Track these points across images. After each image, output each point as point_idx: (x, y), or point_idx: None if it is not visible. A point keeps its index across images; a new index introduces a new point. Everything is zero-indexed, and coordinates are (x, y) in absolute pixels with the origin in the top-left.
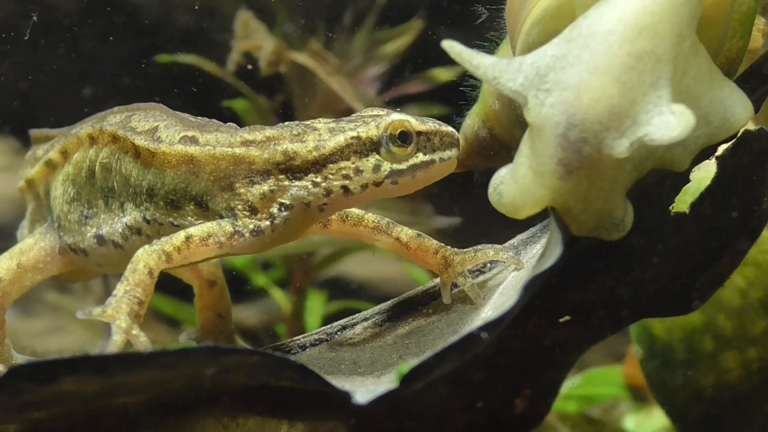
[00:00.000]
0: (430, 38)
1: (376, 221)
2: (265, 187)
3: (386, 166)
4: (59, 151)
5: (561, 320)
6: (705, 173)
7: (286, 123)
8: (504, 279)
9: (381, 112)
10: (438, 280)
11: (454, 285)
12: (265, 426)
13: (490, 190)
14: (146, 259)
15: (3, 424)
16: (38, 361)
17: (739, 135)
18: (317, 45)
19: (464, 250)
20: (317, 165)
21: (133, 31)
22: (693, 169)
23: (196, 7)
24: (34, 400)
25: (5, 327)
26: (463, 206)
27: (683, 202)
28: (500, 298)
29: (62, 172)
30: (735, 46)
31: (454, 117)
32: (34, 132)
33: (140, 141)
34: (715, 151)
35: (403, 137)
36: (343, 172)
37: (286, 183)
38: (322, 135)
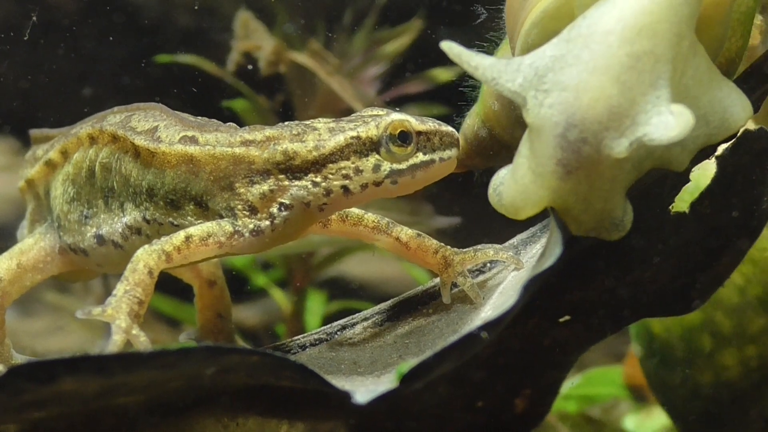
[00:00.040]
0: (429, 38)
1: (375, 221)
2: (265, 187)
3: (386, 166)
4: (59, 151)
5: (561, 320)
6: (705, 172)
7: (286, 123)
8: (504, 279)
9: (381, 112)
10: (438, 279)
11: (454, 285)
12: (265, 426)
13: (490, 191)
14: (146, 258)
15: (3, 424)
16: (38, 361)
17: (738, 134)
18: (317, 45)
19: (464, 249)
20: (317, 165)
21: (133, 31)
22: (693, 169)
23: (196, 8)
24: (34, 399)
25: (5, 327)
26: (463, 206)
27: (683, 201)
28: (500, 297)
29: (62, 172)
30: (734, 45)
31: (454, 117)
32: (34, 132)
33: (140, 141)
34: (715, 150)
35: (403, 137)
36: (343, 171)
37: (286, 183)
38: (322, 135)
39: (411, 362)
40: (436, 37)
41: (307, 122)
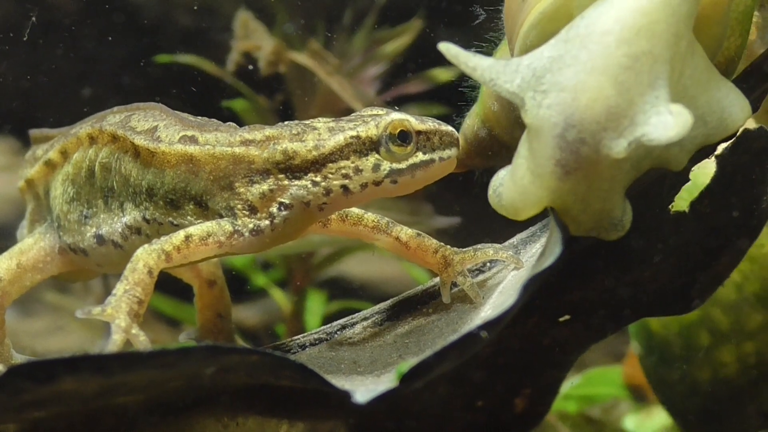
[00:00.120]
0: (429, 38)
1: (375, 220)
2: (265, 187)
3: (386, 166)
4: (59, 151)
5: (561, 319)
6: (704, 172)
7: (286, 122)
8: (504, 278)
9: (380, 112)
10: (437, 279)
11: (454, 284)
12: (265, 425)
13: (490, 192)
14: (146, 258)
15: (3, 423)
16: (38, 361)
17: (738, 134)
18: (317, 45)
19: (464, 249)
20: (317, 164)
21: (133, 31)
22: (692, 168)
23: (195, 8)
24: (33, 399)
25: (5, 327)
26: (463, 206)
27: (683, 200)
28: (500, 297)
29: (62, 172)
30: (733, 44)
31: (453, 117)
32: (33, 132)
33: (140, 141)
34: (715, 149)
35: (403, 136)
36: (343, 171)
37: (286, 182)
38: (322, 134)
39: (411, 362)
40: (435, 37)
41: (307, 122)
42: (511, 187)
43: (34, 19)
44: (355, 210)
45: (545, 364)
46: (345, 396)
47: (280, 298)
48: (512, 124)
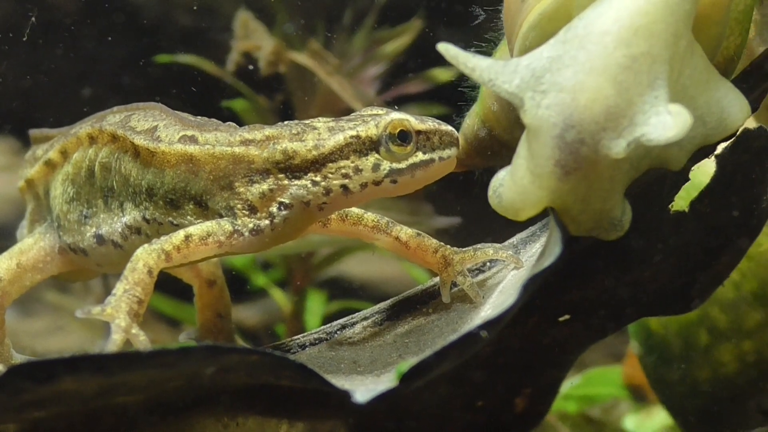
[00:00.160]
0: (429, 38)
1: (375, 220)
2: (265, 186)
3: (385, 165)
4: (59, 151)
5: (561, 319)
6: (704, 171)
7: (286, 122)
8: (503, 278)
9: (380, 111)
10: (437, 279)
11: (454, 284)
12: (265, 425)
13: (490, 193)
14: (145, 258)
15: (3, 423)
16: (38, 361)
17: (738, 133)
18: (317, 45)
19: (464, 249)
20: (317, 164)
21: (133, 31)
22: (692, 168)
23: (195, 8)
24: (33, 399)
25: (5, 327)
26: (463, 206)
27: (683, 200)
28: (500, 296)
29: (62, 172)
30: (733, 44)
31: (453, 117)
32: (33, 132)
33: (139, 140)
34: (715, 149)
35: (403, 136)
36: (343, 171)
37: (286, 182)
38: (322, 134)
39: (411, 361)
40: (435, 37)
41: (307, 121)
42: (511, 187)
43: (33, 19)
44: (354, 210)
45: (545, 363)
46: (345, 396)
47: (280, 298)
48: (512, 123)
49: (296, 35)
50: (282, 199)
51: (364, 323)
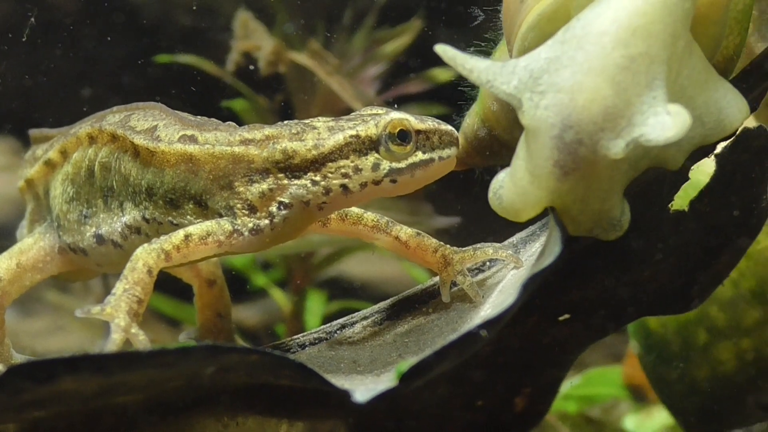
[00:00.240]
0: (429, 38)
1: (375, 220)
2: (264, 186)
3: (385, 165)
4: (58, 151)
5: (560, 319)
6: (703, 171)
7: (285, 122)
8: (503, 277)
9: (380, 111)
10: (437, 278)
11: (454, 283)
12: (265, 425)
13: (490, 194)
14: (145, 257)
15: (2, 423)
16: (37, 360)
17: (738, 133)
18: (317, 45)
19: (463, 248)
20: (316, 164)
21: (132, 31)
22: (692, 167)
23: (195, 8)
24: (33, 399)
25: (5, 327)
26: (462, 205)
27: (682, 198)
28: (499, 296)
29: (61, 172)
30: (732, 43)
31: (453, 116)
32: (33, 132)
33: (139, 140)
34: (714, 148)
35: (402, 136)
36: (342, 170)
37: (285, 182)
38: (321, 134)
39: (410, 361)
40: (435, 37)
41: (307, 121)
42: (511, 188)
43: (33, 19)
44: (354, 209)
45: (545, 363)
46: (345, 395)
47: (280, 298)
48: (512, 123)
49: (296, 35)
50: (282, 199)
51: (364, 323)
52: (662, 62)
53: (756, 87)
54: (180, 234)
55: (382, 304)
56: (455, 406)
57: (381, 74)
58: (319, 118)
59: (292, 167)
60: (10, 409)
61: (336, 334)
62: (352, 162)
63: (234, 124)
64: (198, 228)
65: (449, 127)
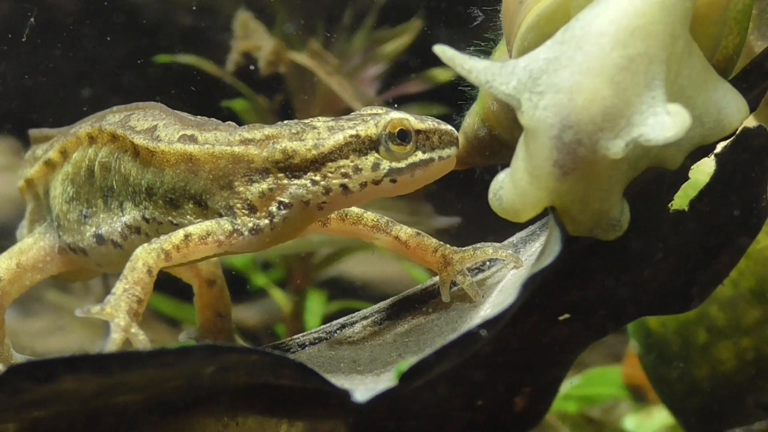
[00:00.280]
0: (429, 38)
1: (375, 220)
2: (264, 186)
3: (385, 165)
4: (58, 151)
5: (560, 318)
6: (703, 170)
7: (285, 122)
8: (503, 277)
9: (380, 111)
10: (437, 278)
11: (453, 283)
12: (264, 425)
13: (491, 196)
14: (145, 257)
15: (2, 423)
16: (37, 360)
17: (737, 132)
18: (317, 45)
19: (463, 248)
20: (316, 163)
21: (132, 31)
22: (692, 167)
23: (195, 8)
24: (33, 399)
25: (5, 327)
26: (462, 205)
27: (682, 198)
28: (499, 296)
29: (61, 172)
30: (732, 43)
31: (453, 116)
32: (33, 132)
33: (139, 140)
34: (714, 148)
35: (402, 135)
36: (342, 170)
37: (285, 181)
38: (321, 133)
39: (410, 360)
40: (435, 37)
41: (306, 121)
42: (511, 189)
43: (32, 19)
44: (354, 209)
45: (545, 362)
46: (344, 395)
47: (280, 298)
48: (512, 123)
49: (296, 35)
50: (281, 199)
51: (364, 322)
52: (661, 62)
53: (756, 86)
54: (180, 234)
55: (382, 304)
56: (455, 405)
57: (381, 74)
58: (319, 117)
59: (292, 167)
60: (10, 409)
61: (336, 334)
62: (352, 162)
63: (234, 124)
64: (198, 228)
65: (449, 127)
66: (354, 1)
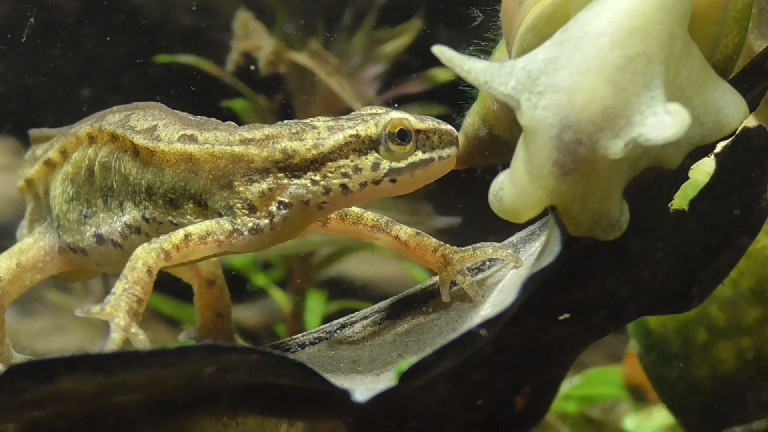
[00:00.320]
0: (429, 38)
1: (375, 219)
2: (264, 186)
3: (385, 165)
4: (58, 151)
5: (560, 318)
6: (703, 170)
7: (285, 121)
8: (503, 277)
9: (380, 111)
10: (437, 278)
11: (453, 283)
12: (264, 425)
13: (491, 197)
14: (145, 257)
15: (2, 423)
16: (37, 360)
17: (737, 132)
18: (317, 45)
19: (463, 248)
20: (316, 163)
21: (132, 31)
22: (692, 167)
23: (195, 8)
24: (33, 398)
25: (5, 326)
26: (463, 205)
27: (682, 198)
28: (499, 295)
29: (61, 172)
30: (731, 42)
31: (453, 116)
32: (33, 132)
33: (139, 140)
34: (714, 148)
35: (402, 135)
36: (342, 170)
37: (285, 181)
38: (321, 133)
39: (410, 360)
40: (435, 37)
41: (306, 121)
42: (511, 190)
43: (32, 19)
44: (354, 209)
45: (545, 362)
46: (344, 395)
47: (280, 298)
48: (512, 123)
49: (296, 35)
50: (281, 198)
51: (364, 322)
52: (660, 62)
53: (755, 86)
54: (180, 233)
55: (382, 304)
56: (455, 405)
57: (381, 74)
58: (319, 117)
59: (291, 167)
60: (10, 409)
61: (336, 334)
62: (351, 161)
63: (234, 124)
64: (198, 227)
65: (449, 127)
66: (354, 1)
